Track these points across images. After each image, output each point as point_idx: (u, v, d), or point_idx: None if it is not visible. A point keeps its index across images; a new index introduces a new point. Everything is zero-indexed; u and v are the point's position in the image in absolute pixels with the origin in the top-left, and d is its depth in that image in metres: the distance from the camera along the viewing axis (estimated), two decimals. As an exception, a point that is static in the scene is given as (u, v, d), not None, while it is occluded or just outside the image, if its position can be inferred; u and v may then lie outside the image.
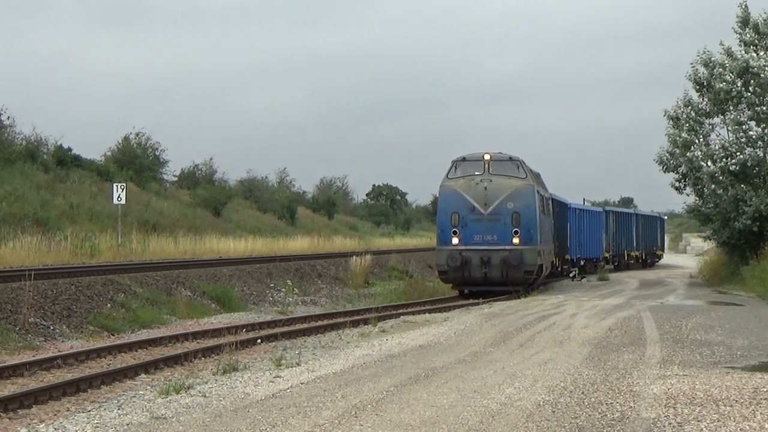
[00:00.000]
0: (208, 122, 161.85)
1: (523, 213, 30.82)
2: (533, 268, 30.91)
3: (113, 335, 21.21)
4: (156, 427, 10.15)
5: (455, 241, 30.72)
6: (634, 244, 58.96)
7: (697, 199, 37.26)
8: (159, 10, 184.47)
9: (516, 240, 30.56)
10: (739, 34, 35.99)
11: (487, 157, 31.40)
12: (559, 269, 41.37)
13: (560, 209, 41.81)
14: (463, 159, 31.74)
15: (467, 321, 21.00)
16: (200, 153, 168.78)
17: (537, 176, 35.44)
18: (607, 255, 51.57)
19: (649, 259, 62.48)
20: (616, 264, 53.45)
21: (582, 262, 46.32)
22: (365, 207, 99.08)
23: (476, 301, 27.74)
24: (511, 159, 31.70)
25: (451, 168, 31.88)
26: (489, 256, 30.33)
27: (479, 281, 30.73)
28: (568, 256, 43.82)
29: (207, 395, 11.98)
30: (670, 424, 9.79)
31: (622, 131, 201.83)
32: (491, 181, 31.02)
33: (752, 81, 34.15)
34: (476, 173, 31.26)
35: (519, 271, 30.35)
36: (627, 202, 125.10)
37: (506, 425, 9.75)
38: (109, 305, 23.31)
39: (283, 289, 29.79)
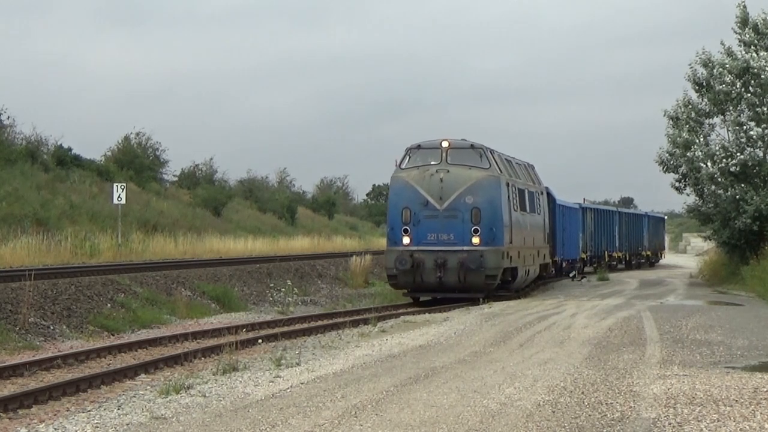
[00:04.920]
0: (208, 122, 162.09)
1: (484, 209, 27.22)
2: (496, 272, 27.25)
3: (113, 335, 21.20)
4: (156, 427, 10.15)
5: (406, 240, 27.31)
6: (617, 245, 54.71)
7: (697, 198, 37.27)
8: (160, 11, 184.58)
9: (476, 240, 27.00)
10: (739, 34, 36.04)
11: (445, 144, 27.82)
12: (545, 273, 36.43)
13: (552, 206, 38.71)
14: (418, 146, 28.29)
15: (467, 321, 21.00)
16: (200, 153, 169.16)
17: (525, 167, 33.37)
18: (584, 256, 46.89)
19: (633, 261, 58.51)
20: (595, 266, 49.38)
21: (564, 264, 42.80)
22: (365, 207, 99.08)
23: (476, 301, 27.21)
24: (473, 147, 28.06)
25: (404, 156, 28.33)
26: (444, 258, 26.82)
27: (433, 287, 27.31)
28: (556, 257, 39.86)
29: (207, 395, 11.98)
30: (670, 424, 9.79)
31: (622, 131, 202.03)
32: (448, 171, 27.40)
33: (752, 81, 34.19)
34: (432, 163, 27.72)
35: (479, 275, 26.83)
36: (627, 201, 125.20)
37: (506, 425, 9.75)
38: (109, 305, 23.30)
39: (283, 289, 29.76)
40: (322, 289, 36.65)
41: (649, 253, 62.99)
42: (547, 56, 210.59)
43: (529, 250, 31.31)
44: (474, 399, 11.13)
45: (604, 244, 52.14)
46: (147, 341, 18.98)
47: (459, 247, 26.98)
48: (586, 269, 47.08)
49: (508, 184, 28.63)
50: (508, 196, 28.51)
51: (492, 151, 28.58)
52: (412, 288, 27.86)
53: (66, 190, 44.59)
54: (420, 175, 27.64)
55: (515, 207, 29.32)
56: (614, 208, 61.08)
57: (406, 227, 27.43)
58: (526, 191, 31.54)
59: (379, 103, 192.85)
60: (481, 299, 27.14)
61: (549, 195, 38.12)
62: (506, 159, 30.41)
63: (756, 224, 33.48)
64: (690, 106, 36.62)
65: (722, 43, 36.15)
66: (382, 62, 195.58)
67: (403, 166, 28.15)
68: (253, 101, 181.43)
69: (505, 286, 28.98)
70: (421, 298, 28.42)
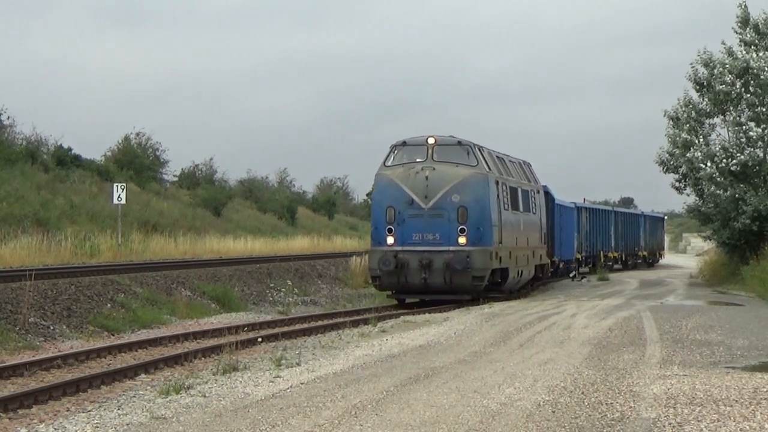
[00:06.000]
0: (208, 122, 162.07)
1: (471, 207, 26.36)
2: (483, 273, 26.34)
3: (113, 335, 21.20)
4: (156, 427, 10.15)
5: (390, 240, 26.47)
6: (612, 245, 53.59)
7: (697, 199, 37.29)
8: (160, 11, 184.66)
9: (462, 240, 26.18)
10: (740, 34, 36.06)
11: (431, 140, 26.91)
12: (541, 274, 35.00)
13: (550, 205, 37.93)
14: (404, 143, 27.41)
15: (467, 321, 20.99)
16: (200, 153, 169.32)
17: (520, 165, 32.50)
18: (578, 256, 45.70)
19: (630, 261, 57.66)
20: (590, 266, 48.38)
21: (561, 265, 41.77)
22: (365, 207, 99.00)
23: (476, 301, 27.01)
24: (460, 143, 27.12)
25: (389, 154, 27.43)
26: (430, 259, 26.00)
27: (418, 288, 26.51)
28: (555, 258, 38.92)
29: (207, 395, 11.97)
30: (670, 424, 9.79)
31: (622, 131, 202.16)
32: (434, 169, 26.50)
33: (752, 81, 34.22)
34: (418, 160, 26.86)
35: (465, 276, 25.97)
36: (627, 202, 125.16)
37: (506, 425, 9.75)
38: (109, 305, 23.29)
39: (283, 289, 29.75)
40: (322, 289, 36.65)
41: (645, 253, 62.21)
42: (547, 56, 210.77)
43: (523, 251, 30.52)
44: (474, 399, 11.13)
45: (600, 244, 51.27)
46: (147, 341, 18.97)
47: (445, 248, 26.18)
48: (581, 270, 46.36)
49: (498, 182, 27.83)
50: (498, 195, 27.68)
51: (481, 148, 27.76)
52: (397, 289, 27.20)
53: (66, 190, 44.59)
54: (405, 173, 26.82)
55: (506, 206, 28.53)
56: (610, 208, 59.97)
57: (390, 227, 26.62)
58: (519, 190, 30.68)
59: (379, 103, 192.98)
60: (481, 299, 27.00)
61: (548, 194, 37.43)
62: (498, 156, 29.65)
63: (755, 224, 33.48)
64: (690, 106, 36.64)
65: (723, 43, 36.21)
66: (382, 62, 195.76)
67: (387, 164, 27.30)
68: (253, 101, 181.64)
69: (495, 288, 28.20)
70: (407, 300, 27.74)
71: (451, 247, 26.20)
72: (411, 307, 26.87)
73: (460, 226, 26.30)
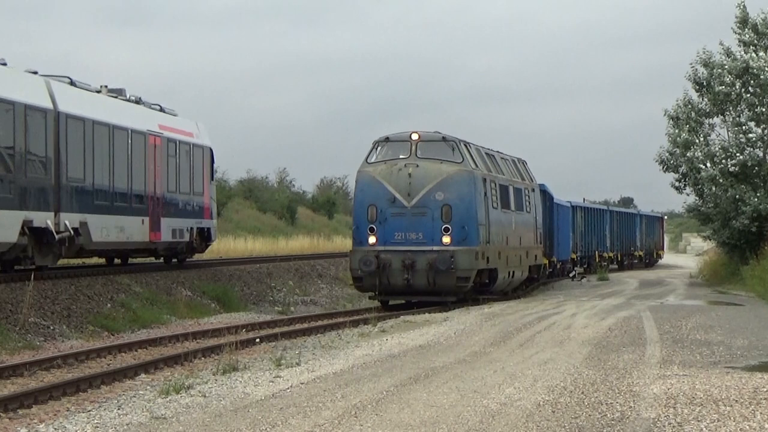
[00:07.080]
0: (208, 123, 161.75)
1: (455, 206, 25.64)
2: (468, 274, 25.61)
3: (113, 335, 21.19)
4: (156, 427, 10.15)
5: (372, 240, 25.80)
6: (608, 245, 53.43)
7: (697, 198, 37.31)
8: (161, 11, 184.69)
9: (446, 239, 25.49)
10: (738, 34, 36.07)
11: (414, 136, 26.17)
12: (537, 275, 34.28)
13: (548, 204, 37.65)
14: (386, 139, 26.68)
15: (467, 321, 20.99)
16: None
17: (514, 163, 31.87)
18: (574, 256, 45.27)
19: (626, 261, 57.43)
20: (585, 266, 48.11)
21: (558, 265, 41.43)
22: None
23: (476, 301, 26.88)
24: (445, 139, 26.41)
25: (371, 150, 26.68)
26: (413, 259, 25.28)
27: (401, 289, 25.89)
28: (554, 258, 38.73)
29: (207, 395, 11.97)
30: (670, 424, 9.79)
31: (622, 131, 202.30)
32: (418, 166, 25.77)
33: (752, 82, 34.24)
34: (401, 157, 26.14)
35: (449, 277, 25.21)
36: (627, 201, 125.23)
37: (506, 425, 9.75)
38: (109, 305, 23.28)
39: (284, 289, 29.70)
40: (322, 289, 36.61)
41: (641, 253, 61.74)
42: (547, 56, 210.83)
43: (514, 251, 29.80)
44: (474, 399, 11.13)
45: (595, 244, 50.72)
46: (147, 341, 18.99)
47: (428, 247, 25.47)
48: (576, 270, 45.91)
49: (485, 180, 27.13)
50: (485, 193, 26.99)
51: (467, 144, 27.18)
52: (379, 291, 26.41)
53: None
54: (387, 170, 26.10)
55: (495, 204, 27.86)
56: (605, 207, 59.31)
57: (372, 226, 25.92)
58: (511, 188, 30.02)
59: (379, 103, 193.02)
60: (481, 299, 26.94)
61: (545, 193, 37.05)
62: (487, 153, 28.96)
63: (755, 224, 33.49)
64: (690, 106, 36.65)
65: (721, 44, 36.21)
66: (382, 62, 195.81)
67: (370, 161, 26.57)
68: (253, 101, 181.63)
69: (484, 289, 27.60)
70: (391, 302, 27.13)
71: (435, 246, 25.51)
72: (411, 307, 26.76)
73: (444, 225, 25.62)
